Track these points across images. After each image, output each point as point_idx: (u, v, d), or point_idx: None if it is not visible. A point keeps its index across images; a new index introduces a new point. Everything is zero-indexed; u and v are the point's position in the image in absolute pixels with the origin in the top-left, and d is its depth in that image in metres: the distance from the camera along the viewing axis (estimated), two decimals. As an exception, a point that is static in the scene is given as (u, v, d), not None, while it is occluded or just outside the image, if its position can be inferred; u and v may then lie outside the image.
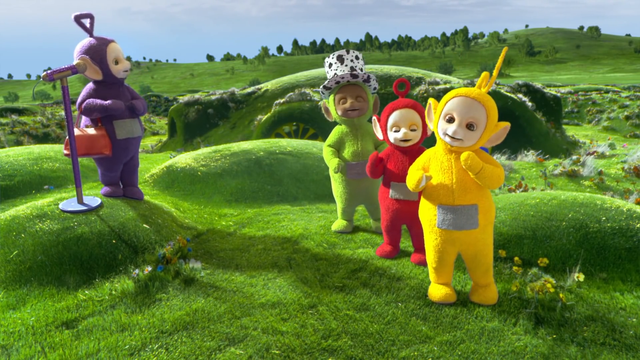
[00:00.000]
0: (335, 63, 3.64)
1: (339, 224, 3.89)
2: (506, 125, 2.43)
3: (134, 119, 3.66)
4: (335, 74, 3.64)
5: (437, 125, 2.49)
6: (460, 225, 2.50)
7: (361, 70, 3.67)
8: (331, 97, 3.71)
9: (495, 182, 2.42)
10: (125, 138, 3.59)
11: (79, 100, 3.52)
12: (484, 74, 2.44)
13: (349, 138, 3.71)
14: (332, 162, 3.65)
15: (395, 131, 3.08)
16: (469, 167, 2.36)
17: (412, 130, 3.05)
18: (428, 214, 2.62)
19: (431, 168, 2.59)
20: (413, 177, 2.57)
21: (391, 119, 3.08)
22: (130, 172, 3.85)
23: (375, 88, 3.75)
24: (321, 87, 3.69)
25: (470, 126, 2.37)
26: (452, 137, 2.41)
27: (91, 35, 3.50)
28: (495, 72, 2.42)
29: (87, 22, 3.49)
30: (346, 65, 3.62)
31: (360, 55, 3.68)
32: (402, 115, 3.04)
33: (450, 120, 2.40)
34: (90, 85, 3.56)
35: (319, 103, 10.96)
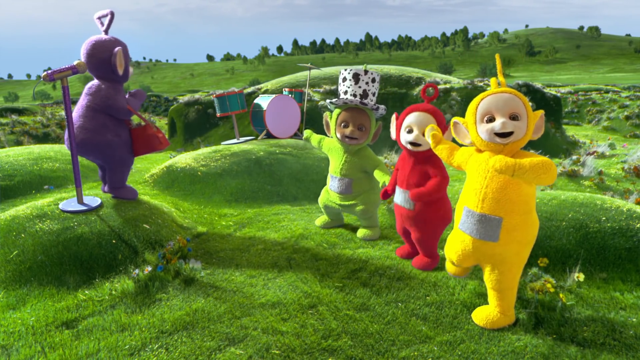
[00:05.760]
0: (350, 80, 3.47)
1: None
2: (542, 112, 2.27)
3: None
4: (346, 90, 3.49)
5: (477, 132, 2.33)
6: (476, 233, 2.39)
7: (374, 95, 3.53)
8: (335, 112, 3.60)
9: (540, 171, 2.08)
10: None
11: (120, 104, 3.46)
12: (492, 80, 2.38)
13: (337, 153, 3.72)
14: (307, 132, 4.08)
15: (408, 132, 2.97)
16: (500, 170, 2.13)
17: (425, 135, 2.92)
18: (459, 211, 2.53)
19: (468, 165, 2.46)
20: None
21: (407, 120, 2.97)
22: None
23: (381, 114, 3.62)
24: (328, 101, 3.60)
25: (514, 117, 2.23)
26: (501, 134, 2.24)
27: (107, 32, 3.53)
28: (499, 76, 2.36)
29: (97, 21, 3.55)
30: (359, 87, 3.46)
31: (377, 79, 3.49)
32: (419, 119, 2.92)
33: (491, 119, 2.26)
34: (109, 85, 3.47)
35: (322, 109, 10.95)
